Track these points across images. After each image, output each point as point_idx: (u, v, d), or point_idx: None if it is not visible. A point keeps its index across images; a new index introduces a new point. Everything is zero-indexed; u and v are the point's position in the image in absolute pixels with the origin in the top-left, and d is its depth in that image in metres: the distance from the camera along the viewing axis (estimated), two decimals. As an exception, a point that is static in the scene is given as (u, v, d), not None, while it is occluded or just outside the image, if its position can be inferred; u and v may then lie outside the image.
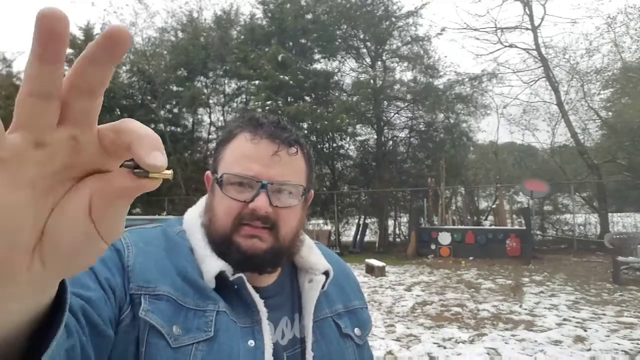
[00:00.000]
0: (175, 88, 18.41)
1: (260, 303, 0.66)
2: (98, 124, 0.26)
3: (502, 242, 10.37)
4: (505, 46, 14.79)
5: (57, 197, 0.26)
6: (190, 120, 19.94)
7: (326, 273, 0.75)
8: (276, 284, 0.74)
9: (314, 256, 0.76)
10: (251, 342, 0.64)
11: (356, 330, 0.78)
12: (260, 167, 0.67)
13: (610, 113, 14.61)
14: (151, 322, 0.60)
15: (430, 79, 15.72)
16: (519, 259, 9.86)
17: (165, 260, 0.67)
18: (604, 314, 5.35)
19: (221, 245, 0.67)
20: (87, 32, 20.18)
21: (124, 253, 0.65)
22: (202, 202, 0.77)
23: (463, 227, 11.99)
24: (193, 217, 0.75)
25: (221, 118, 19.37)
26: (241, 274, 0.66)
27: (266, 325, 0.66)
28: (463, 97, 15.31)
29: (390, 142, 16.75)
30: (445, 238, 10.83)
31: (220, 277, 0.66)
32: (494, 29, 14.72)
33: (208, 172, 0.74)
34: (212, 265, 0.66)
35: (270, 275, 0.73)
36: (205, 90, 18.57)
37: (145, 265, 0.64)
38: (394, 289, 7.14)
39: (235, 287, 0.66)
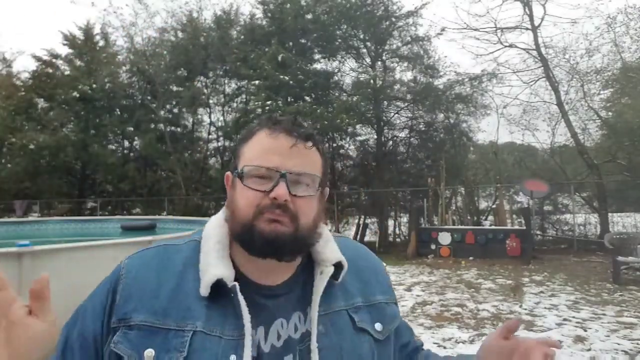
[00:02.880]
0: (175, 88, 18.38)
1: (247, 318, 0.67)
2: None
3: (502, 242, 10.37)
4: (505, 46, 14.77)
5: None
6: (190, 120, 19.93)
7: (339, 265, 0.77)
8: (290, 280, 0.76)
9: (328, 249, 0.78)
10: (233, 357, 0.66)
11: (377, 325, 0.79)
12: (279, 158, 0.70)
13: (610, 113, 14.59)
14: (119, 353, 0.67)
15: (430, 79, 15.70)
16: (519, 259, 9.86)
17: (153, 283, 0.71)
18: (604, 314, 5.35)
19: (244, 234, 0.70)
20: (87, 32, 20.17)
21: (118, 285, 0.72)
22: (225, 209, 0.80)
23: (463, 227, 11.98)
24: (212, 222, 0.78)
25: (221, 118, 19.36)
26: (235, 283, 0.69)
27: (248, 341, 0.66)
28: (463, 97, 15.28)
29: (390, 142, 16.74)
30: (445, 238, 10.83)
31: (220, 284, 0.69)
32: (494, 29, 14.70)
33: (228, 173, 0.77)
34: (210, 273, 0.70)
35: (284, 272, 0.75)
36: (205, 90, 18.54)
37: (129, 294, 0.71)
38: (394, 289, 7.14)
39: (232, 295, 0.68)
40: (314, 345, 0.69)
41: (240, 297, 0.68)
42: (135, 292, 0.71)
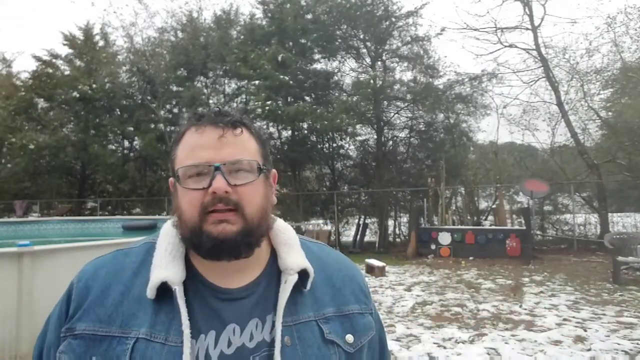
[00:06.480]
0: (175, 88, 18.38)
1: (185, 324, 0.65)
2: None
3: (502, 242, 10.38)
4: (505, 46, 14.78)
5: None
6: (190, 120, 19.91)
7: (304, 272, 0.74)
8: (252, 284, 0.73)
9: (292, 256, 0.75)
10: None
11: (348, 336, 0.75)
12: (209, 152, 0.69)
13: (610, 113, 14.58)
14: None
15: (430, 79, 15.68)
16: (519, 259, 9.86)
17: (100, 290, 0.71)
18: (604, 314, 5.35)
19: (193, 237, 0.68)
20: (87, 32, 20.15)
21: (72, 294, 0.73)
22: None
23: (463, 227, 11.99)
24: (168, 224, 0.77)
25: (221, 118, 19.32)
26: (176, 287, 0.67)
27: (187, 348, 0.64)
28: (463, 97, 15.28)
29: (390, 142, 16.74)
30: (445, 238, 10.83)
31: (166, 287, 0.68)
32: (494, 29, 14.71)
33: (171, 179, 0.75)
34: (155, 275, 0.68)
35: (244, 276, 0.73)
36: (205, 90, 18.55)
37: (79, 303, 0.71)
38: (394, 289, 7.14)
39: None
40: (277, 358, 0.66)
41: (181, 301, 0.66)
42: (83, 300, 0.71)
